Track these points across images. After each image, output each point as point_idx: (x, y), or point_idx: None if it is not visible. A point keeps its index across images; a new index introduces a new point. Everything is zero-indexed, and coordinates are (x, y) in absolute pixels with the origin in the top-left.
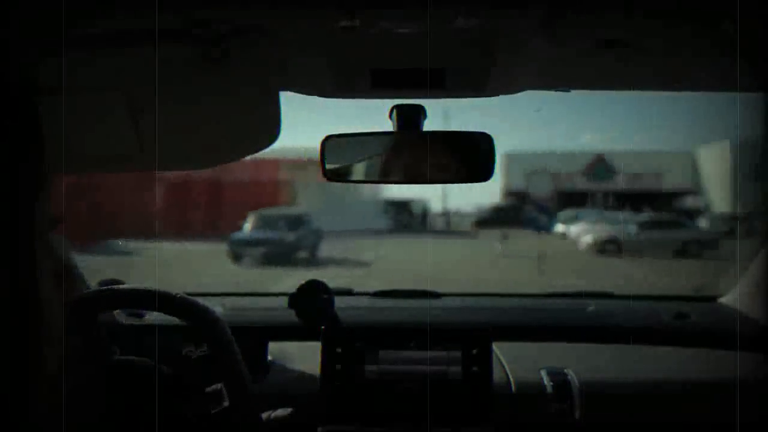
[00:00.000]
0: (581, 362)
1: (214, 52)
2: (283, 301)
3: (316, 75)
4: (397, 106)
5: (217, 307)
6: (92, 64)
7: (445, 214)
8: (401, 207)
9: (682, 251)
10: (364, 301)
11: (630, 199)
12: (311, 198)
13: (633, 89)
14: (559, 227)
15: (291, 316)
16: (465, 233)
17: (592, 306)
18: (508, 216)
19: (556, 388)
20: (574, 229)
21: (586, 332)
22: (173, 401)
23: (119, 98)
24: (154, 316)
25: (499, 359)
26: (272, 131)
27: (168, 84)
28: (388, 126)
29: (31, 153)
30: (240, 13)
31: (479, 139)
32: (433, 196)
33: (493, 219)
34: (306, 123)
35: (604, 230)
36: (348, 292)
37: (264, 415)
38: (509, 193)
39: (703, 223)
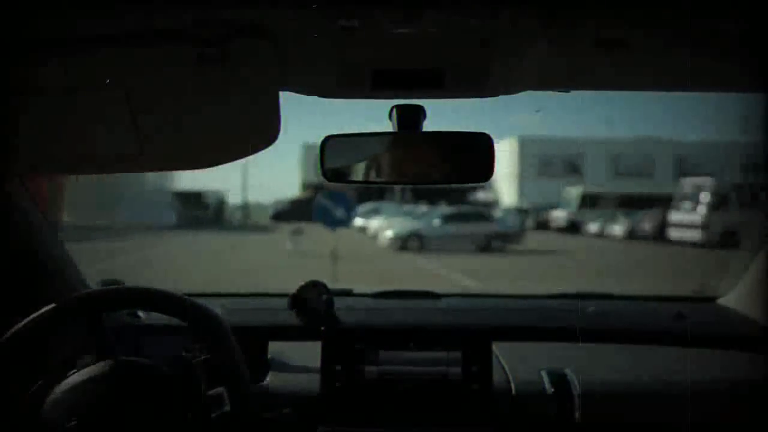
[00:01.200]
0: (581, 363)
1: (214, 52)
2: (284, 302)
3: (316, 75)
4: (397, 107)
5: (216, 307)
6: (92, 64)
7: (245, 207)
8: (192, 199)
9: (487, 246)
10: (364, 302)
11: (426, 193)
12: (78, 186)
13: (633, 89)
14: (359, 221)
15: (291, 316)
16: (262, 228)
17: (592, 307)
18: (305, 209)
19: (556, 388)
20: (374, 224)
21: (587, 333)
22: (174, 404)
23: (119, 98)
24: (153, 317)
25: (499, 360)
26: (272, 131)
27: (168, 84)
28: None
29: None
30: (240, 13)
31: (479, 140)
32: (232, 187)
33: (291, 212)
34: None
35: (405, 224)
36: (348, 293)
37: (264, 416)
38: (308, 185)
39: (497, 215)
